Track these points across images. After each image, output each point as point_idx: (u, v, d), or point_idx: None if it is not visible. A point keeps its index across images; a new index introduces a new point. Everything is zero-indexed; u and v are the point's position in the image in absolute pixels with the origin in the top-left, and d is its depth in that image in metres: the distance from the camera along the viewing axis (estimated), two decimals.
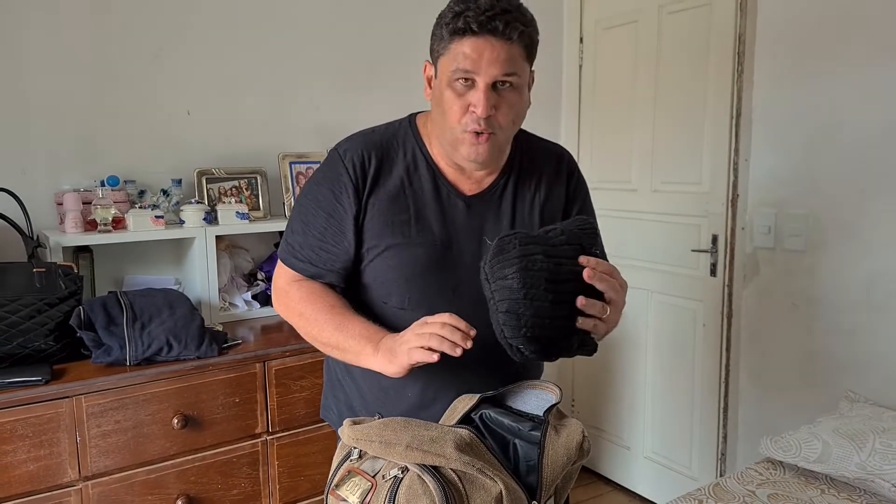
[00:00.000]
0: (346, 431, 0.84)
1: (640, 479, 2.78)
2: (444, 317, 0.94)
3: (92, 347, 1.59)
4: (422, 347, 0.92)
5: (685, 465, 2.58)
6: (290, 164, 2.27)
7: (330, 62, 2.41)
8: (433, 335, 0.92)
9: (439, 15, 1.07)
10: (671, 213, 2.56)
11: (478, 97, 1.03)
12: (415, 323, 0.98)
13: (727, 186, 2.33)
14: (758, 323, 2.29)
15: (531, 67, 1.11)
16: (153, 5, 2.07)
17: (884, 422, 1.76)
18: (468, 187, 1.16)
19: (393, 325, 1.12)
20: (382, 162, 1.14)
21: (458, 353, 0.90)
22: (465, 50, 1.01)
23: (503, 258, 0.86)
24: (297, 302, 1.15)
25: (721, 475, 2.43)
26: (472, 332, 0.92)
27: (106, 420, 1.54)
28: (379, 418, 0.88)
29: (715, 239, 2.40)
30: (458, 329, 0.92)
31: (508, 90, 1.06)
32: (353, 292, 1.19)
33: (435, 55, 1.09)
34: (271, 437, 1.78)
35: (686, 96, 2.46)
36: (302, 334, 1.17)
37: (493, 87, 1.04)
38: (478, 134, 1.05)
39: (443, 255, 1.13)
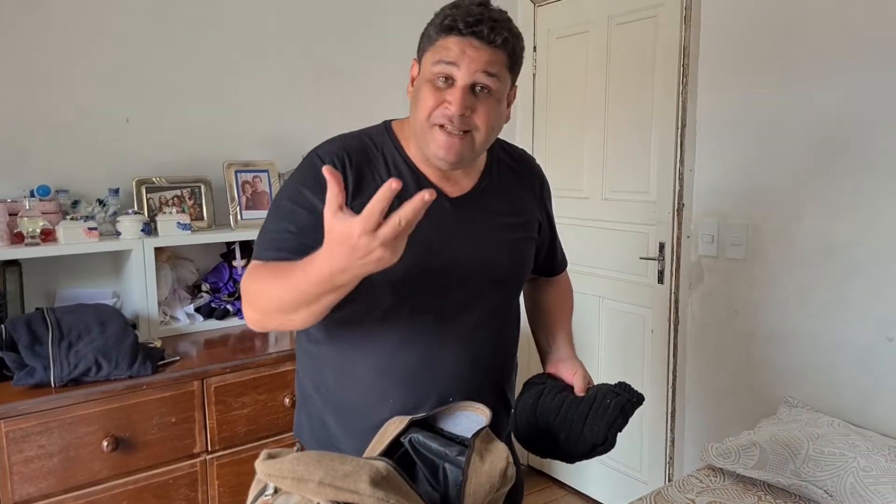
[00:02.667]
0: (259, 466, 0.81)
1: (593, 483, 2.81)
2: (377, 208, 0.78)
3: (14, 369, 1.52)
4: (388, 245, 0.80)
5: (636, 469, 2.61)
6: (236, 172, 2.22)
7: (277, 70, 2.36)
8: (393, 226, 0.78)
9: (432, 17, 1.10)
10: (621, 221, 2.59)
11: (454, 94, 1.04)
12: (355, 231, 0.79)
13: (673, 196, 2.37)
14: (703, 329, 2.33)
15: (514, 82, 1.12)
16: (89, 8, 1.99)
17: (819, 427, 1.80)
18: (451, 189, 1.15)
19: (378, 336, 1.11)
20: (363, 166, 1.11)
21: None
22: (448, 45, 1.04)
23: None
24: (261, 282, 0.99)
25: (670, 479, 2.47)
26: (426, 196, 0.78)
27: (29, 445, 1.47)
28: (297, 450, 0.85)
29: (662, 247, 2.43)
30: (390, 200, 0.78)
31: (486, 96, 1.06)
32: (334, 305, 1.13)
33: (421, 52, 1.11)
34: (211, 456, 1.73)
35: (634, 106, 2.49)
36: (276, 313, 0.97)
37: (472, 90, 1.05)
38: (448, 132, 1.05)
39: (430, 258, 1.11)
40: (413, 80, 1.14)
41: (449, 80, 1.05)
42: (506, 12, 1.10)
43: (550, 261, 1.39)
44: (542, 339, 1.38)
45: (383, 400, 1.12)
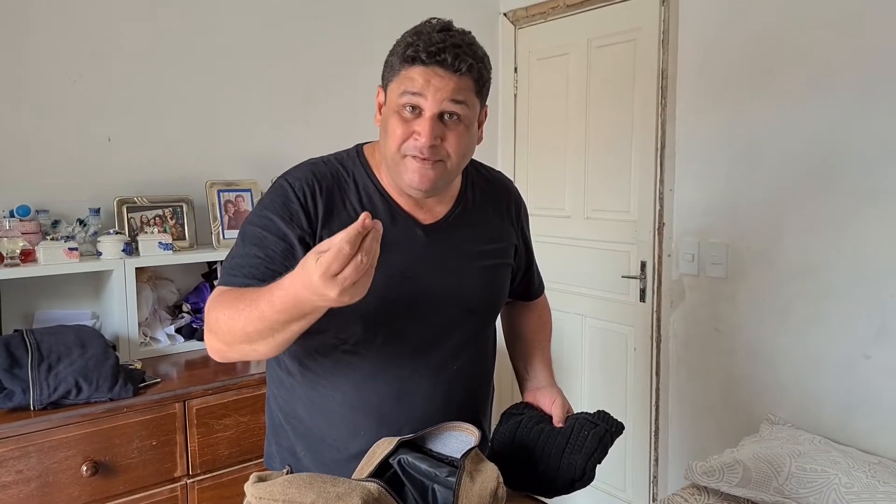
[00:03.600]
0: (249, 489, 0.80)
1: (576, 502, 2.80)
2: (343, 249, 0.78)
3: None
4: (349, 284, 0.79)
5: (620, 488, 2.61)
6: (219, 192, 2.21)
7: (261, 89, 2.36)
8: (358, 264, 0.78)
9: (394, 45, 1.08)
10: (603, 240, 2.62)
11: (423, 126, 1.02)
12: (310, 264, 0.79)
13: (654, 215, 2.40)
14: (685, 347, 2.35)
15: (483, 104, 1.11)
16: (71, 28, 1.99)
17: (800, 445, 1.82)
18: (423, 217, 1.14)
19: (349, 366, 1.09)
20: (333, 193, 1.10)
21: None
22: (412, 76, 1.02)
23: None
24: (225, 308, 0.96)
25: (654, 498, 2.47)
26: (379, 227, 0.80)
27: (6, 470, 1.43)
28: (287, 472, 0.85)
29: (644, 266, 2.46)
30: (366, 234, 0.78)
31: (455, 122, 1.05)
32: (300, 338, 1.10)
33: (385, 81, 1.09)
34: (192, 480, 1.70)
35: (615, 127, 2.53)
36: (240, 343, 0.96)
37: (441, 118, 1.04)
38: (422, 159, 1.03)
39: (402, 287, 1.09)
40: (380, 107, 1.12)
41: (416, 110, 1.03)
42: (469, 33, 1.08)
43: (527, 285, 1.38)
44: (519, 366, 1.36)
45: (355, 433, 1.11)
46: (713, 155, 2.21)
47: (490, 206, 1.23)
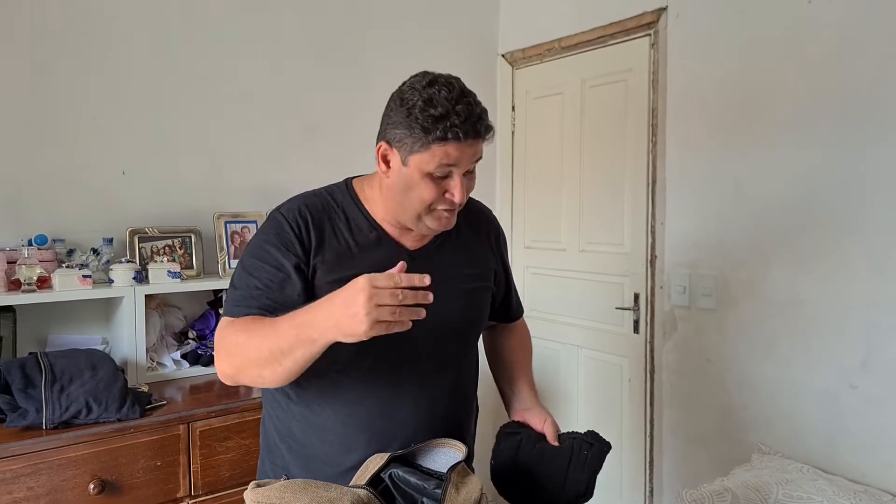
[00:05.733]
0: (248, 494, 0.87)
1: None
2: (394, 276, 0.92)
3: (7, 411, 1.56)
4: (383, 321, 0.91)
5: None
6: (226, 223, 2.31)
7: (267, 123, 2.48)
8: (392, 308, 0.91)
9: (406, 107, 1.08)
10: (597, 272, 2.69)
11: (455, 186, 1.12)
12: (361, 282, 0.91)
13: (646, 248, 2.48)
14: (677, 378, 2.40)
15: None
16: (89, 66, 2.11)
17: (788, 473, 1.86)
18: (410, 243, 1.22)
19: (341, 386, 1.15)
20: (324, 222, 1.18)
21: (421, 315, 0.93)
22: (449, 151, 1.08)
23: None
24: (238, 333, 1.05)
25: None
26: (427, 280, 0.93)
27: (18, 486, 1.49)
28: (284, 479, 0.91)
29: (637, 297, 2.53)
30: (414, 287, 0.91)
31: (471, 173, 1.16)
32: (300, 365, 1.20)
33: (406, 149, 1.10)
34: (194, 500, 1.75)
35: (608, 163, 2.63)
36: (249, 367, 1.04)
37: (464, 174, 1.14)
38: (451, 211, 1.15)
39: None
40: (387, 162, 1.14)
41: (446, 171, 1.11)
42: (473, 93, 1.12)
43: (507, 307, 1.46)
44: (504, 386, 1.44)
45: (347, 449, 1.17)
46: (702, 189, 2.30)
47: (471, 233, 1.32)
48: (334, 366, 1.15)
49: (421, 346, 1.20)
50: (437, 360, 1.23)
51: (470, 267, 1.29)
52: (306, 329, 0.97)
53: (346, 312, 0.91)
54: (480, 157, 1.15)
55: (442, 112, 1.06)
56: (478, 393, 1.39)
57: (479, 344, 1.38)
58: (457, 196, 1.12)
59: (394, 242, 1.21)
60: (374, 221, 1.21)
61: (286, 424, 1.23)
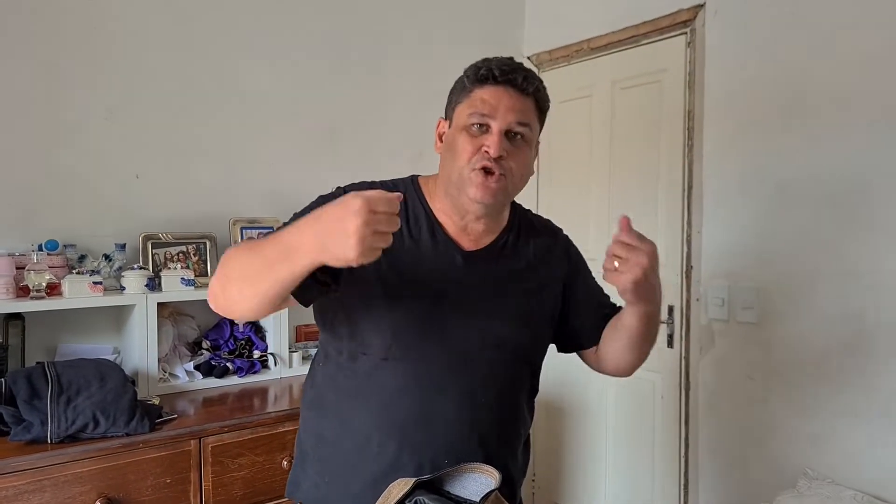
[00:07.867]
0: None
1: None
2: (395, 202, 0.86)
3: (11, 424, 1.48)
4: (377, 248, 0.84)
5: None
6: (242, 229, 2.23)
7: (285, 128, 2.40)
8: (387, 235, 0.85)
9: (458, 78, 1.16)
10: None
11: (492, 140, 1.08)
12: (357, 203, 0.83)
13: (681, 258, 2.35)
14: (715, 396, 2.26)
15: (540, 131, 1.17)
16: (105, 68, 2.05)
17: (842, 502, 1.72)
18: (467, 244, 1.16)
19: (378, 381, 1.09)
20: None
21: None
22: (484, 95, 1.09)
23: None
24: (236, 249, 1.00)
25: None
26: (400, 196, 0.88)
27: None
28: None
29: (671, 310, 2.40)
30: (388, 208, 0.84)
31: (520, 142, 1.11)
32: (325, 345, 1.18)
33: (452, 105, 1.15)
34: None
35: (640, 169, 2.52)
36: (234, 282, 0.98)
37: (506, 135, 1.09)
38: (488, 173, 1.07)
39: (434, 307, 1.11)
40: (440, 136, 1.18)
41: (484, 128, 1.09)
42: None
43: (601, 326, 1.32)
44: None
45: (377, 456, 1.10)
46: (742, 195, 2.17)
47: (532, 249, 1.23)
48: (372, 355, 1.10)
49: (461, 352, 1.12)
50: (477, 371, 1.14)
51: (525, 282, 1.20)
52: (293, 249, 0.89)
53: (338, 233, 0.83)
54: (529, 126, 1.10)
55: (486, 62, 1.11)
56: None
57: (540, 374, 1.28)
58: (492, 149, 1.07)
59: (449, 240, 1.16)
60: (433, 216, 1.17)
61: (320, 428, 1.17)
